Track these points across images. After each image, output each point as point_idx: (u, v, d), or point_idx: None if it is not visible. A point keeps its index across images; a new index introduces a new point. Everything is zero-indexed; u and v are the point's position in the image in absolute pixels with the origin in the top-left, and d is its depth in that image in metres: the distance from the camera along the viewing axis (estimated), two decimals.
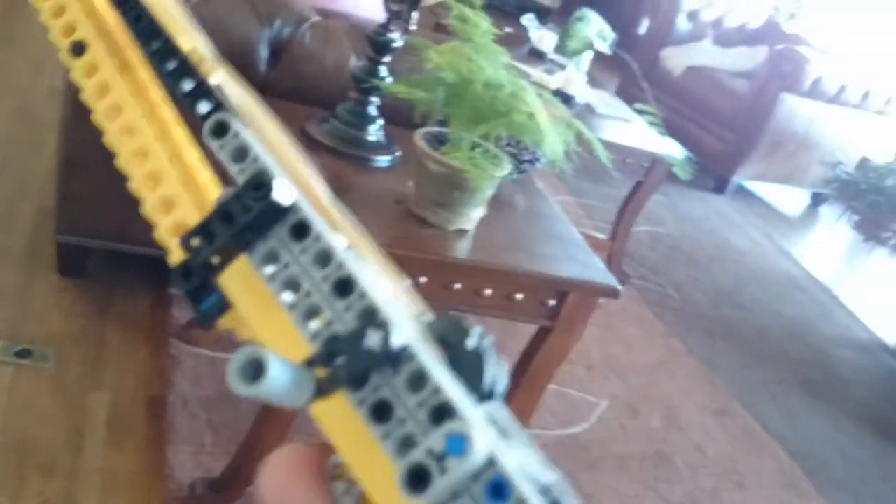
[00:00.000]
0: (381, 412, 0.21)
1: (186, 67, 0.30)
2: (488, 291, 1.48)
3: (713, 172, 4.44)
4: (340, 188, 1.51)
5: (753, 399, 2.54)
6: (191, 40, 0.30)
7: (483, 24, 1.34)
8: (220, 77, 0.29)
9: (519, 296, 1.50)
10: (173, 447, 1.62)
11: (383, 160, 1.60)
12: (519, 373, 1.61)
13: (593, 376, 2.37)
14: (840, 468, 2.39)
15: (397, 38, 1.52)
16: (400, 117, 1.70)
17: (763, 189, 4.74)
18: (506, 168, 1.44)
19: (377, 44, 1.52)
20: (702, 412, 2.38)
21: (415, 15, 1.45)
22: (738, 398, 2.51)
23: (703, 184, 4.41)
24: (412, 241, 1.44)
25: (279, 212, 0.25)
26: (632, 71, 5.02)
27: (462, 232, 1.49)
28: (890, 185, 4.18)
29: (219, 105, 0.29)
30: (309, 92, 1.76)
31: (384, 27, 1.53)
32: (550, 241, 1.63)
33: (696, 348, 2.72)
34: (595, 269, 1.56)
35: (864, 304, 3.69)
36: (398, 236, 1.44)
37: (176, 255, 0.27)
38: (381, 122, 1.62)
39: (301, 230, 0.25)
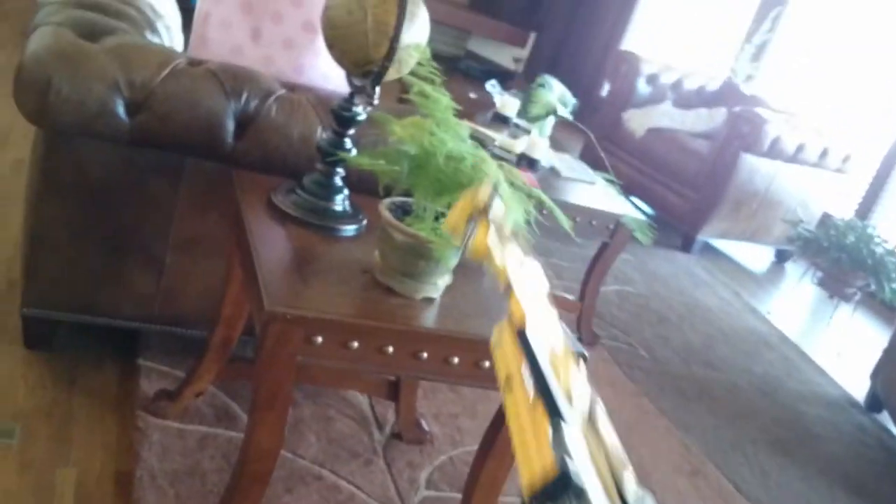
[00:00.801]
0: None
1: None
2: (455, 360, 1.49)
3: (679, 231, 4.52)
4: (307, 258, 1.53)
5: (726, 459, 2.55)
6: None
7: (443, 100, 1.37)
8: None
9: (486, 363, 1.51)
10: None
11: (349, 229, 1.62)
12: (489, 440, 1.61)
13: None
14: None
15: (360, 112, 1.55)
16: (366, 186, 1.73)
17: (729, 247, 4.82)
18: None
19: (341, 118, 1.55)
20: (675, 474, 2.38)
21: (377, 90, 1.48)
22: (711, 459, 2.52)
23: (670, 242, 4.48)
24: (379, 311, 1.45)
25: None
26: (591, 131, 5.13)
27: (429, 300, 1.51)
28: (850, 241, 4.27)
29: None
30: (275, 163, 1.79)
31: (348, 101, 1.56)
32: None
33: (668, 408, 2.73)
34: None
35: (832, 360, 3.74)
36: (365, 306, 1.45)
37: None
38: (346, 192, 1.64)
39: None
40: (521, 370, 0.55)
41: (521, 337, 0.53)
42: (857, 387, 3.47)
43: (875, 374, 3.30)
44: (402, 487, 1.93)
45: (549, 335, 0.57)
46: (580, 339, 2.97)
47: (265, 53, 2.01)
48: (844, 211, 4.83)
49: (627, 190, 4.55)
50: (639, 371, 2.93)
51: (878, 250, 4.24)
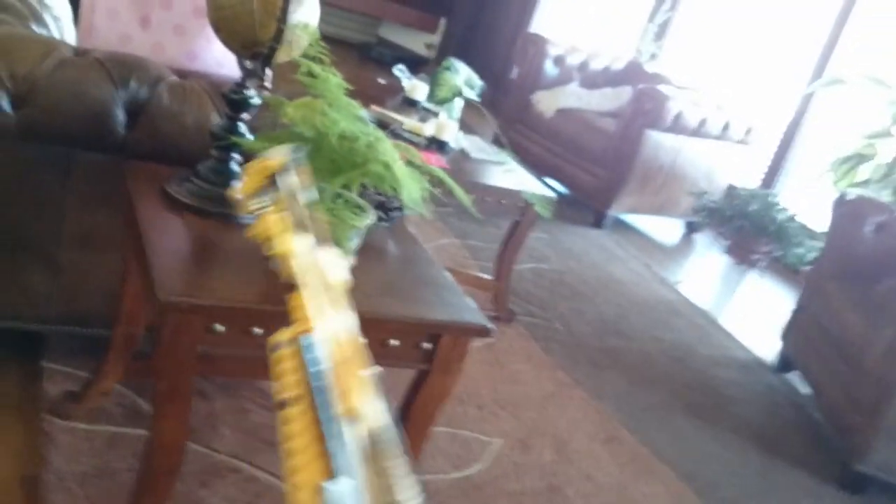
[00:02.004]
0: None
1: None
2: (362, 339, 1.49)
3: (590, 208, 4.60)
4: (205, 247, 1.50)
5: (640, 425, 2.62)
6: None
7: (333, 80, 1.37)
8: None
9: (394, 342, 1.52)
10: None
11: (249, 216, 1.59)
12: (402, 418, 1.61)
13: (485, 415, 2.40)
14: (728, 486, 2.48)
15: (253, 96, 1.53)
16: None
17: (639, 221, 4.93)
18: (368, 217, 1.46)
19: (233, 101, 1.53)
20: (591, 441, 2.43)
21: (269, 72, 1.47)
22: (626, 425, 2.58)
23: (582, 219, 4.56)
24: (281, 296, 1.44)
25: None
26: (503, 117, 5.18)
27: None
28: (753, 210, 4.42)
29: None
30: (170, 152, 1.75)
31: (239, 85, 1.54)
32: (422, 285, 1.66)
33: (583, 379, 2.78)
34: (467, 311, 1.59)
35: (741, 324, 3.87)
36: (266, 292, 1.44)
37: None
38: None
39: None
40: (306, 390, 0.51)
41: (303, 347, 0.49)
42: (767, 349, 3.60)
43: (785, 335, 3.43)
44: None
45: (336, 340, 0.53)
46: (497, 318, 3.01)
47: (155, 40, 1.96)
48: (750, 181, 4.98)
49: (540, 171, 4.62)
50: (555, 344, 2.98)
51: (780, 217, 4.39)
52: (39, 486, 1.63)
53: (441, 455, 2.13)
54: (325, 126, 1.32)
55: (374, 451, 0.47)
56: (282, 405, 0.47)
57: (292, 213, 0.83)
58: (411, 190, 1.34)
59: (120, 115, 1.73)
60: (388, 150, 1.35)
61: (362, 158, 1.33)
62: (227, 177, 1.59)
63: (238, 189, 1.00)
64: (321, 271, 0.59)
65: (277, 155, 0.89)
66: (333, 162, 1.35)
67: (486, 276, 3.15)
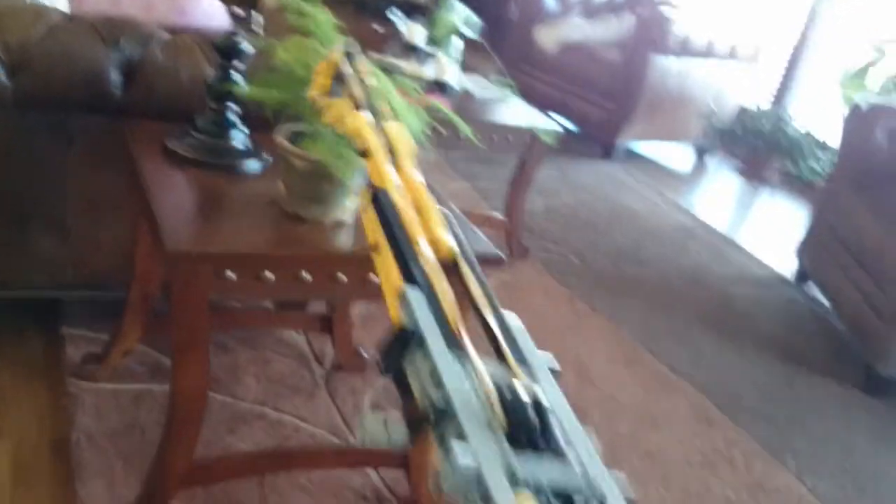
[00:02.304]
0: None
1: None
2: (374, 277, 1.50)
3: (599, 140, 4.57)
4: (209, 198, 1.51)
5: (661, 346, 2.63)
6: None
7: (322, 16, 1.35)
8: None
9: None
10: (85, 484, 1.58)
11: (252, 166, 1.60)
12: None
13: None
14: (751, 396, 2.49)
15: (242, 42, 1.52)
16: (268, 125, 1.71)
17: (650, 149, 4.89)
18: None
19: (223, 49, 1.52)
20: (612, 365, 2.45)
21: (257, 16, 1.45)
22: (646, 347, 2.59)
23: (592, 152, 4.53)
24: (290, 240, 1.45)
25: None
26: (506, 57, 5.11)
27: (340, 223, 1.51)
28: (765, 128, 4.36)
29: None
30: (168, 109, 1.75)
31: (230, 33, 1.53)
32: None
33: (602, 307, 2.79)
34: (477, 242, 1.59)
35: (758, 243, 3.85)
36: (276, 237, 1.45)
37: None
38: (243, 128, 1.62)
39: None
40: (383, 235, 0.57)
41: (376, 201, 0.54)
42: (785, 265, 3.58)
43: (802, 249, 3.41)
44: (347, 413, 1.95)
45: (413, 193, 0.59)
46: (511, 255, 3.01)
47: (145, 1, 1.95)
48: (761, 101, 4.91)
49: (547, 108, 4.57)
50: (571, 277, 2.98)
51: (792, 133, 4.34)
52: (70, 448, 1.67)
53: None
54: (318, 64, 1.31)
55: (450, 269, 0.54)
56: (373, 249, 0.55)
57: (357, 95, 0.88)
58: (411, 123, 1.33)
59: (115, 77, 1.73)
60: (385, 83, 1.34)
61: None
62: (225, 128, 1.59)
63: (313, 86, 1.07)
64: (389, 139, 0.64)
65: (338, 51, 0.99)
66: None
67: (497, 215, 3.14)
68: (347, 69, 0.79)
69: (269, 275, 1.40)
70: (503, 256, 1.60)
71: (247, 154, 1.61)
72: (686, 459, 2.11)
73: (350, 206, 1.51)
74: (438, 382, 0.42)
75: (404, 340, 0.46)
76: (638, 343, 2.61)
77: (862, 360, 2.75)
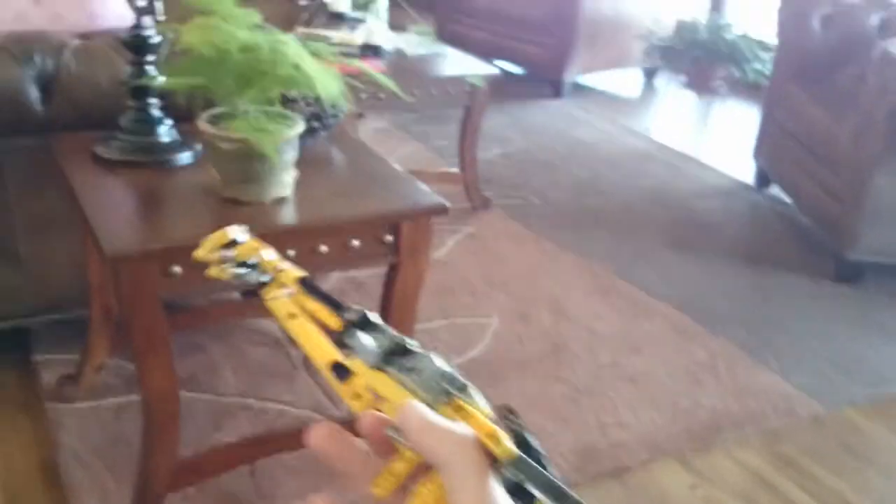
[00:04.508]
0: None
1: None
2: (324, 248, 1.49)
3: (547, 79, 4.54)
4: (144, 197, 1.49)
5: (632, 271, 2.64)
6: None
7: None
8: None
9: (355, 242, 1.52)
10: (79, 503, 1.58)
11: (183, 158, 1.58)
12: (385, 315, 1.63)
13: (478, 300, 2.42)
14: (726, 305, 2.51)
15: (149, 34, 1.49)
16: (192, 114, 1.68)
17: (598, 80, 4.87)
18: (297, 126, 1.44)
19: (132, 45, 1.49)
20: (587, 297, 2.46)
21: (157, 4, 1.43)
22: (618, 275, 2.61)
23: (542, 93, 4.51)
24: (231, 223, 1.43)
25: None
26: (439, 11, 5.06)
27: (280, 200, 1.49)
28: (704, 38, 4.35)
29: None
30: (93, 116, 1.72)
31: (136, 26, 1.50)
32: (372, 182, 1.65)
33: (569, 243, 2.80)
34: (420, 194, 1.59)
35: (715, 154, 3.86)
36: (217, 224, 1.43)
37: None
38: (169, 122, 1.59)
39: None
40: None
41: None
42: (745, 171, 3.59)
43: (757, 151, 3.42)
44: (331, 390, 1.95)
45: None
46: (472, 207, 3.01)
47: (52, 12, 1.91)
48: (699, 12, 4.88)
49: (490, 55, 4.53)
50: (535, 219, 2.99)
51: (732, 38, 4.34)
52: (59, 470, 1.66)
53: (442, 345, 2.16)
54: (223, 42, 1.29)
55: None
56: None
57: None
58: (327, 85, 1.32)
59: (33, 93, 1.69)
60: (295, 50, 1.33)
61: (269, 65, 1.30)
62: (150, 124, 1.57)
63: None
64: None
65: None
66: (242, 76, 1.32)
67: (453, 170, 3.13)
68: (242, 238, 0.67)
69: None
70: (446, 205, 1.58)
71: (176, 146, 1.59)
72: (671, 378, 2.13)
73: (288, 180, 1.50)
74: None
75: None
76: (609, 273, 2.62)
77: (829, 250, 2.78)
